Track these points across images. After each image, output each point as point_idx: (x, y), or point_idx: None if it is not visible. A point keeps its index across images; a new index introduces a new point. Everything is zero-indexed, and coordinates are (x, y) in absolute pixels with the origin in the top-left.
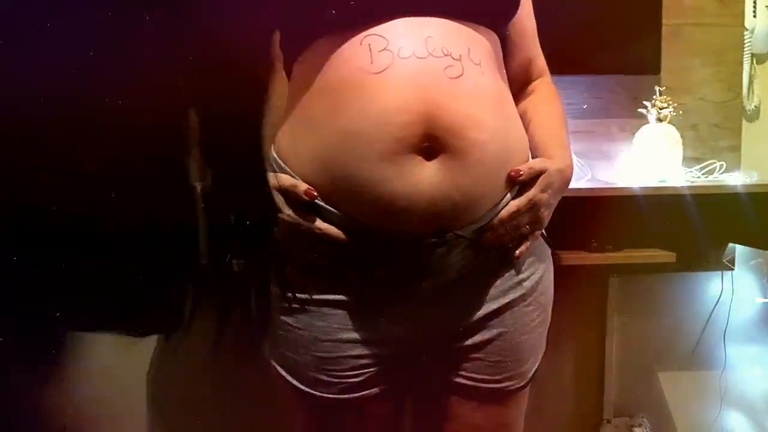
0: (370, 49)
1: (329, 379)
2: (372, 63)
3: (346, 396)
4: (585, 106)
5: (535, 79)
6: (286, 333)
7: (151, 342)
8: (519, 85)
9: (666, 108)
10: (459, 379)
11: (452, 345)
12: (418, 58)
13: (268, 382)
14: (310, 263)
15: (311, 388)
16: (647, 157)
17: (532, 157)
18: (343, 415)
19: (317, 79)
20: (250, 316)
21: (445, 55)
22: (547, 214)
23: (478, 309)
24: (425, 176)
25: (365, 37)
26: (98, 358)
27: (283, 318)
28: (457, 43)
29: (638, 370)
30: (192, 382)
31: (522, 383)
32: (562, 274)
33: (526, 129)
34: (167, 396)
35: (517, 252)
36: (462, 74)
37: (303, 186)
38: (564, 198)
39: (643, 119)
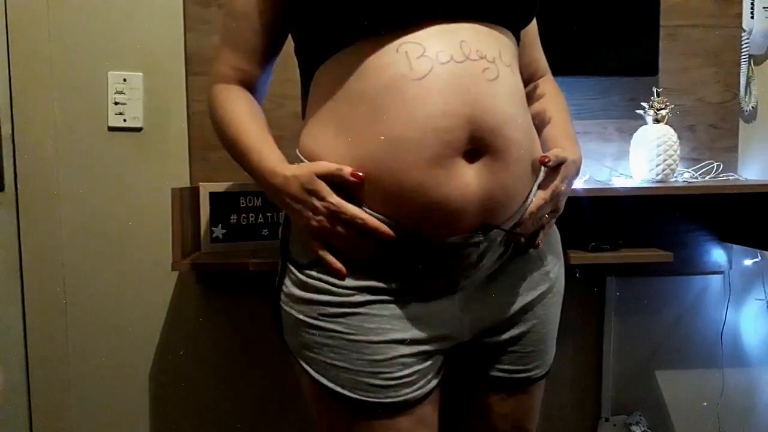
0: (407, 56)
1: (382, 382)
2: (412, 69)
3: (398, 398)
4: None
5: (540, 77)
6: (333, 341)
7: (152, 339)
8: (526, 84)
9: (663, 109)
10: (495, 372)
11: (492, 339)
12: (456, 62)
13: (299, 395)
14: (351, 258)
15: (364, 395)
16: (645, 157)
17: (543, 152)
18: (393, 418)
19: (352, 86)
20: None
21: (481, 58)
22: (563, 204)
23: (515, 303)
24: (472, 178)
25: (401, 44)
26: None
27: (328, 325)
28: (489, 46)
29: (636, 368)
30: (196, 383)
31: (546, 370)
32: None
33: (537, 126)
34: (169, 393)
35: (538, 240)
36: (498, 76)
37: (348, 168)
38: None
39: (640, 120)
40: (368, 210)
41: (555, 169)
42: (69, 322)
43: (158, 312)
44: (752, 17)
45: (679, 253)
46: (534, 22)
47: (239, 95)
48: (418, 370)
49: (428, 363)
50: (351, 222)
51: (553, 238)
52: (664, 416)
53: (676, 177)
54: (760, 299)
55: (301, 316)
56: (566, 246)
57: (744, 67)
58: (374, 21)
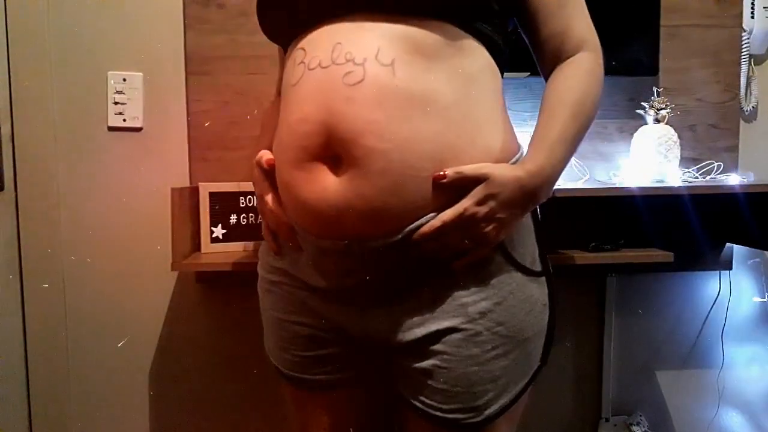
0: (294, 63)
1: (291, 357)
2: (292, 76)
3: (306, 375)
4: None
5: (572, 54)
6: (265, 314)
7: (151, 339)
8: (551, 62)
9: (664, 109)
10: (415, 402)
11: (404, 362)
12: (321, 68)
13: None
14: (271, 244)
15: (282, 368)
16: (645, 157)
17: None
18: (308, 392)
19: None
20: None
21: (348, 60)
22: (492, 231)
23: (418, 327)
24: (330, 184)
25: (293, 50)
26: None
27: (261, 297)
28: (365, 46)
29: (636, 368)
30: (195, 378)
31: (479, 419)
32: (560, 273)
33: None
34: (169, 393)
35: (454, 265)
36: (362, 79)
37: (266, 155)
38: (563, 198)
39: (641, 120)
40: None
41: (470, 184)
42: (68, 321)
43: (158, 312)
44: (752, 17)
45: (679, 253)
46: None
47: (268, 109)
48: (319, 355)
49: (328, 350)
50: (260, 201)
51: (489, 271)
52: (665, 416)
53: (676, 177)
54: (760, 299)
55: (258, 293)
56: (567, 246)
57: (744, 66)
58: (281, 29)
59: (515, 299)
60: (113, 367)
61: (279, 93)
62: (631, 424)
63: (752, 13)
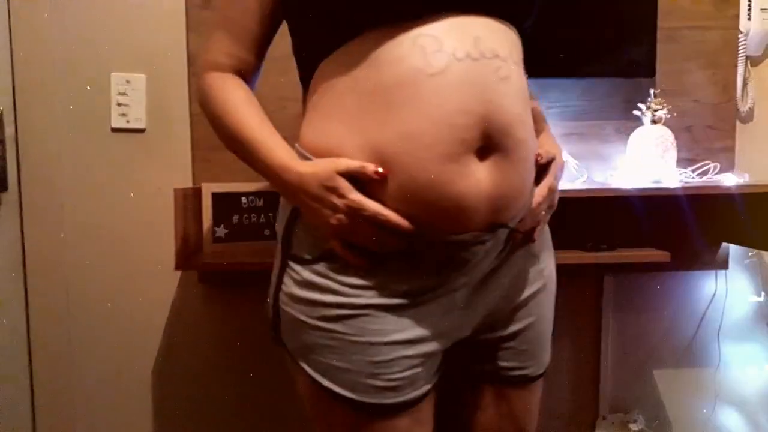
0: (424, 50)
1: (382, 383)
2: (428, 64)
3: (397, 399)
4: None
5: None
6: (334, 342)
7: (154, 338)
8: None
9: (661, 110)
10: (490, 368)
11: (489, 335)
12: (472, 59)
13: (297, 396)
14: (360, 263)
15: (363, 396)
16: (642, 158)
17: None
18: (392, 419)
19: (362, 78)
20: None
21: (495, 56)
22: (557, 200)
23: (511, 299)
24: (483, 175)
25: (417, 36)
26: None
27: (329, 326)
28: (502, 44)
29: (633, 367)
30: (199, 381)
31: (542, 369)
32: (558, 273)
33: None
34: (172, 392)
35: (535, 235)
36: (510, 75)
37: (372, 165)
38: (561, 198)
39: (638, 121)
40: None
41: (547, 166)
42: (72, 321)
43: (161, 311)
44: (749, 19)
45: (676, 253)
46: None
47: (235, 84)
48: (417, 372)
49: (428, 363)
50: (373, 218)
51: (545, 235)
52: (662, 414)
53: (673, 178)
54: (756, 298)
55: (302, 317)
56: (564, 246)
57: (741, 68)
58: (386, 10)
59: (553, 257)
60: (116, 366)
61: (228, 69)
62: (628, 422)
63: (749, 14)
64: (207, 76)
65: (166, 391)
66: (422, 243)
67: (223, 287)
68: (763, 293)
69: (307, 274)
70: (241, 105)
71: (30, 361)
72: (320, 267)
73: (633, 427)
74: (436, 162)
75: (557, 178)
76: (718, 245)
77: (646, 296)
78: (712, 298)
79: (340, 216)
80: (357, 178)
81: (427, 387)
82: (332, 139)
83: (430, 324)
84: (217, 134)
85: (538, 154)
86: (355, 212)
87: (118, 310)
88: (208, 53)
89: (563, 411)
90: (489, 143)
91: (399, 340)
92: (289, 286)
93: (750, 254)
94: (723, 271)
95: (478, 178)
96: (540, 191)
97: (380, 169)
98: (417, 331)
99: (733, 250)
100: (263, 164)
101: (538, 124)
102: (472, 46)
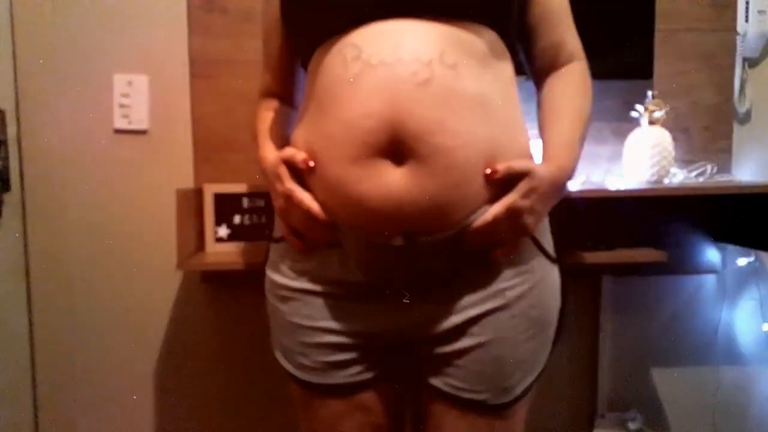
0: (346, 58)
1: (311, 363)
2: (346, 71)
3: (328, 381)
4: None
5: (564, 64)
6: (280, 320)
7: (157, 338)
8: (546, 71)
9: (658, 111)
10: (442, 386)
11: (434, 349)
12: (385, 64)
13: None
14: (298, 246)
15: (298, 372)
16: (640, 159)
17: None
18: (326, 399)
19: (310, 87)
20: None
21: (413, 59)
22: (531, 221)
23: (456, 314)
24: (392, 180)
25: (343, 46)
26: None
27: (276, 304)
28: (428, 46)
29: (631, 366)
30: (200, 375)
31: (506, 399)
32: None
33: (541, 123)
34: (174, 391)
35: (496, 254)
36: (431, 78)
37: (301, 154)
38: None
39: (635, 123)
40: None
41: (516, 179)
42: (75, 321)
43: (163, 311)
44: (746, 21)
45: (673, 253)
46: (553, 5)
47: (267, 105)
48: (344, 359)
49: (354, 354)
50: (299, 205)
51: (523, 258)
52: (660, 413)
53: (670, 178)
54: (753, 298)
55: (267, 294)
56: (562, 246)
57: (738, 69)
58: (325, 24)
59: (545, 284)
60: (118, 366)
61: (266, 94)
62: (626, 421)
63: (746, 16)
64: (258, 101)
65: (168, 390)
66: (346, 239)
67: (225, 287)
68: (760, 293)
69: (272, 254)
70: (260, 120)
71: (32, 360)
72: (279, 247)
73: (631, 425)
74: (344, 162)
75: (532, 197)
76: (716, 246)
77: (644, 296)
78: (710, 298)
79: (281, 200)
80: (295, 169)
81: (364, 377)
82: (294, 143)
83: (362, 318)
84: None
85: (493, 169)
86: (288, 197)
87: (120, 309)
88: (260, 84)
89: (561, 410)
90: (402, 149)
91: (325, 327)
92: (266, 268)
93: (747, 255)
94: (720, 272)
95: (386, 182)
96: (494, 210)
97: (310, 162)
98: (346, 322)
99: (731, 250)
100: (258, 158)
101: (552, 128)
102: (390, 51)
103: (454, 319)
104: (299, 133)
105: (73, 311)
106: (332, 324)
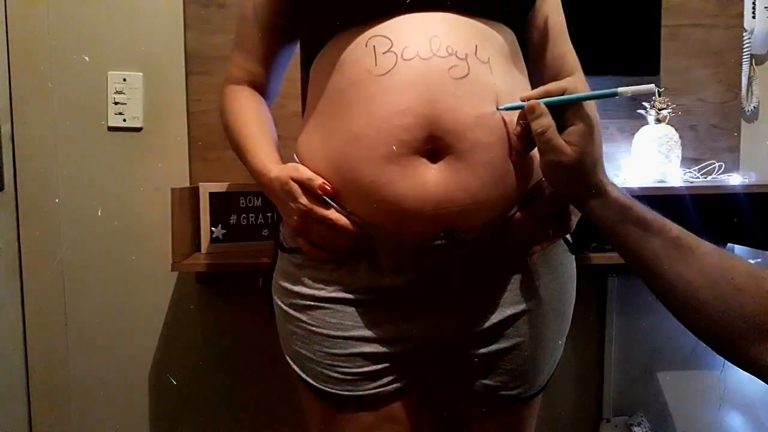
0: (374, 51)
1: (339, 375)
2: (376, 65)
3: (357, 393)
4: None
5: (567, 74)
6: (300, 330)
7: (152, 339)
8: (549, 80)
9: (665, 109)
10: (476, 386)
11: (469, 351)
12: (421, 59)
13: (288, 379)
14: (320, 257)
15: (324, 386)
16: (646, 157)
17: None
18: (356, 412)
19: (328, 82)
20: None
21: (450, 54)
22: (573, 221)
23: (492, 314)
24: (430, 178)
25: (370, 38)
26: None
27: (296, 314)
28: (463, 41)
29: (638, 369)
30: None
31: (536, 390)
32: None
33: None
34: (169, 392)
35: (532, 251)
36: (468, 74)
37: (319, 180)
38: None
39: (642, 120)
40: (338, 206)
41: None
42: (68, 322)
43: (158, 312)
44: (754, 17)
45: None
46: (557, 15)
47: (246, 96)
48: (377, 369)
49: (387, 363)
50: (321, 222)
51: (554, 253)
52: (666, 417)
53: (677, 177)
54: None
55: (281, 304)
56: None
57: (745, 66)
58: (347, 12)
59: (569, 278)
60: (113, 366)
61: (237, 81)
62: (632, 425)
63: (753, 13)
64: (225, 88)
65: (162, 391)
66: (379, 243)
67: (221, 288)
68: None
69: (285, 264)
70: (244, 114)
71: (26, 361)
72: (295, 257)
73: (637, 429)
74: (377, 163)
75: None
76: (723, 246)
77: (650, 297)
78: None
79: (296, 218)
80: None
81: (394, 386)
82: (304, 146)
83: (391, 326)
84: (229, 143)
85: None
86: (304, 215)
87: (114, 310)
88: (228, 67)
89: (567, 413)
90: (439, 145)
91: (357, 336)
92: (277, 279)
93: (755, 256)
94: None
95: (424, 180)
96: (533, 208)
97: (327, 186)
98: (378, 330)
99: (738, 250)
100: (249, 168)
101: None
102: (426, 45)
103: (492, 318)
104: (313, 138)
105: (66, 311)
106: (365, 332)
